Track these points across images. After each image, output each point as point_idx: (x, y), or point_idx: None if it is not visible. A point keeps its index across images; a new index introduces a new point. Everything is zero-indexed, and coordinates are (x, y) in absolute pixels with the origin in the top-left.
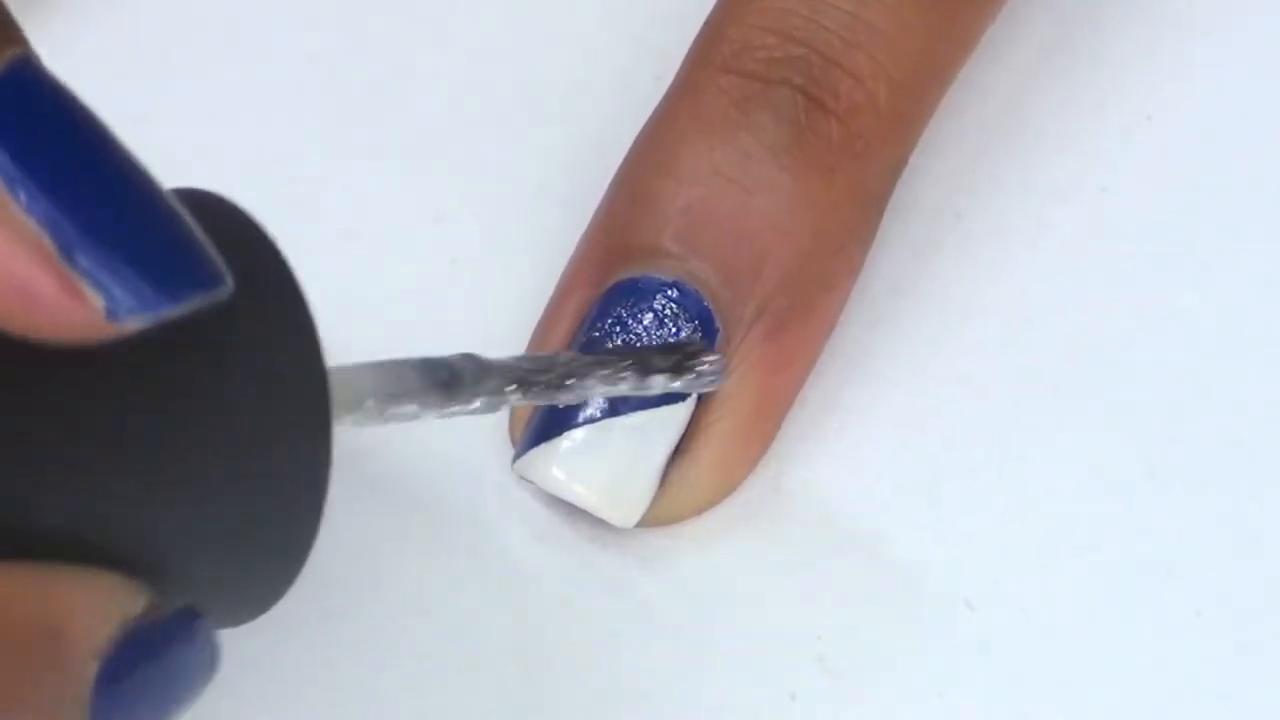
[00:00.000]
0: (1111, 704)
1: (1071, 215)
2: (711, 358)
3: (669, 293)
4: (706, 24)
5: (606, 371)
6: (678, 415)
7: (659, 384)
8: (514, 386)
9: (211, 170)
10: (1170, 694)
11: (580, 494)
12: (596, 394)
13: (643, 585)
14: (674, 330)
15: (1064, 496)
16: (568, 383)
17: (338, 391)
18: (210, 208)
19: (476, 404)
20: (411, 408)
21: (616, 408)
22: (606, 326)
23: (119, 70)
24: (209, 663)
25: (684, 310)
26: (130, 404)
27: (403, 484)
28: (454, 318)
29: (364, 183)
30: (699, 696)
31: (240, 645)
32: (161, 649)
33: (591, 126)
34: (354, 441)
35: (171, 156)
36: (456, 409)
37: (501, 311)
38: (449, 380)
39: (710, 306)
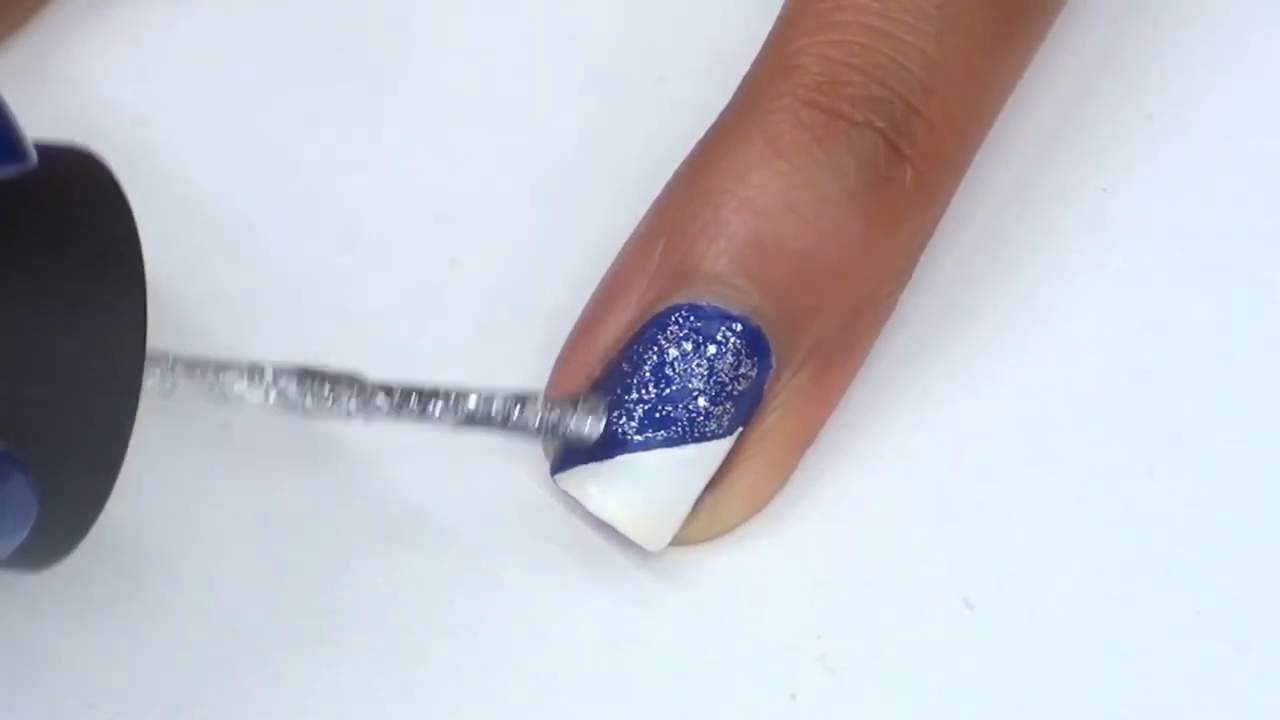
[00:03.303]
0: (1112, 704)
1: (1071, 215)
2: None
3: (734, 326)
4: (777, 42)
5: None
6: (725, 448)
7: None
8: (383, 396)
9: (212, 170)
10: (1170, 694)
11: (622, 520)
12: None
13: (643, 585)
14: (735, 365)
15: (1064, 496)
16: (433, 404)
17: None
18: (73, 159)
19: (346, 405)
20: (260, 391)
21: (673, 438)
22: (671, 354)
23: (119, 71)
24: (19, 517)
25: (748, 346)
26: None
27: (401, 484)
28: (454, 318)
29: (364, 183)
30: (699, 696)
31: (248, 650)
32: None
33: (592, 126)
34: (363, 449)
35: (171, 156)
36: (318, 405)
37: (501, 311)
38: (311, 372)
39: (769, 343)
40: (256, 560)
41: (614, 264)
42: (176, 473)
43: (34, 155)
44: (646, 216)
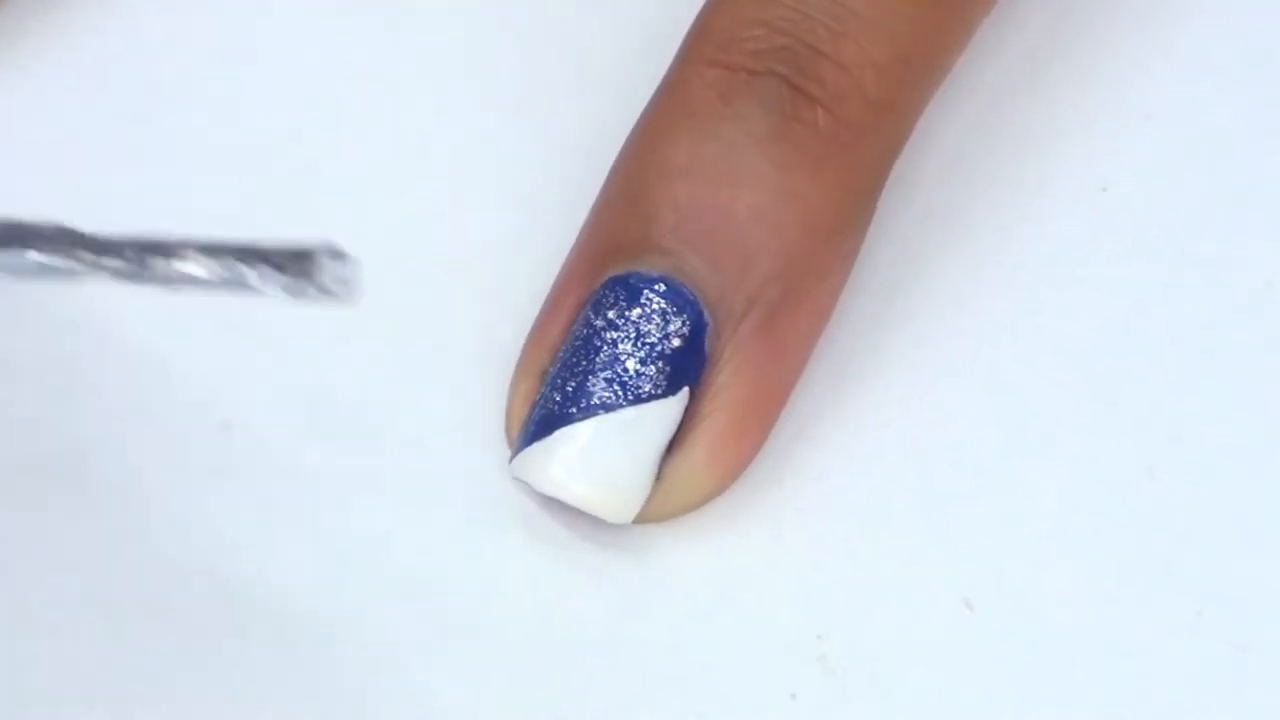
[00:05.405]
0: (1112, 704)
1: (1071, 215)
2: (342, 267)
3: (657, 287)
4: (695, 21)
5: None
6: (671, 410)
7: (269, 283)
8: (89, 252)
9: (211, 171)
10: (1170, 694)
11: (575, 492)
12: (188, 269)
13: (642, 585)
14: (663, 324)
15: (1064, 496)
16: (153, 258)
17: None
18: None
19: (45, 259)
20: None
21: (608, 403)
22: (599, 326)
23: (119, 74)
24: None
25: (672, 304)
26: None
27: (397, 484)
28: (454, 318)
29: (361, 183)
30: (699, 696)
31: (248, 650)
32: None
33: (590, 127)
34: (361, 450)
35: (170, 159)
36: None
37: (501, 311)
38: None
39: (699, 300)
40: (255, 560)
41: (563, 264)
42: (175, 474)
43: None
44: (588, 214)
